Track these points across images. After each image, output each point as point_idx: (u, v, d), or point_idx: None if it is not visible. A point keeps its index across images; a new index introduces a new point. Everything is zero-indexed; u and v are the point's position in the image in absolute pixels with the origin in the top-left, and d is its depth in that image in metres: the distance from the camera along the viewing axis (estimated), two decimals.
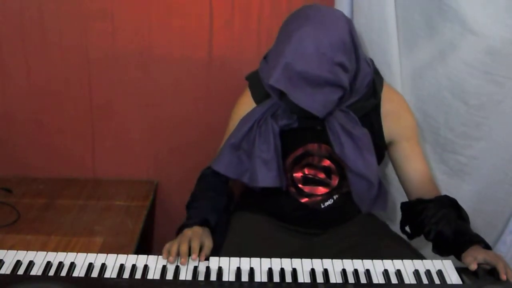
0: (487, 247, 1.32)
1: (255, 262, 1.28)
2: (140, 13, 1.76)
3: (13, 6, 1.75)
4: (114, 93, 1.87)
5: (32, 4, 1.74)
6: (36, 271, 1.23)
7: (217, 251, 1.36)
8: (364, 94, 1.42)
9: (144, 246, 1.94)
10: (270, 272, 1.25)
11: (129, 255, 1.29)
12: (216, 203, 1.45)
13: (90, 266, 1.24)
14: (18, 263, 1.25)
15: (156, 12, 1.76)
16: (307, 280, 1.24)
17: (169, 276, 1.24)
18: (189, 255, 1.27)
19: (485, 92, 1.55)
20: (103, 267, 1.25)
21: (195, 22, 1.77)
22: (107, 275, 1.23)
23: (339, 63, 1.29)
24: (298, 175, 1.50)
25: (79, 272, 1.23)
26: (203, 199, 1.44)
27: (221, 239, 1.43)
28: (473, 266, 1.24)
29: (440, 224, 1.37)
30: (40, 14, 1.76)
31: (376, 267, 1.29)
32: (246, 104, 1.49)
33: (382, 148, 1.49)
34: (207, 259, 1.30)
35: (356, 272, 1.26)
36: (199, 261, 1.28)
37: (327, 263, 1.29)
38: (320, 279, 1.24)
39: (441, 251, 1.38)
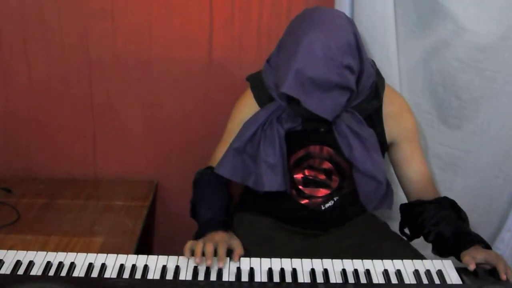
0: (487, 247, 1.31)
1: (255, 262, 1.28)
2: (141, 13, 1.76)
3: (14, 6, 1.75)
4: (115, 93, 1.87)
5: (33, 3, 1.75)
6: (36, 271, 1.23)
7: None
8: (367, 95, 1.42)
9: (144, 246, 1.94)
10: (270, 272, 1.25)
11: (129, 255, 1.29)
12: (223, 205, 1.43)
13: (90, 266, 1.24)
14: (18, 263, 1.24)
15: (156, 12, 1.76)
16: (307, 280, 1.24)
17: (169, 276, 1.23)
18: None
19: (477, 87, 1.59)
20: (103, 267, 1.24)
21: (195, 22, 1.77)
22: (107, 275, 1.23)
23: (347, 66, 1.30)
24: (298, 176, 1.50)
25: (79, 272, 1.23)
26: (213, 201, 1.42)
27: None
28: (471, 267, 1.23)
29: (440, 225, 1.37)
30: (41, 13, 1.76)
31: (376, 267, 1.28)
32: (249, 105, 1.49)
33: (383, 149, 1.49)
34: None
35: (356, 272, 1.26)
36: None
37: (327, 263, 1.29)
38: (320, 279, 1.24)
39: (441, 252, 1.38)
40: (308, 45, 1.27)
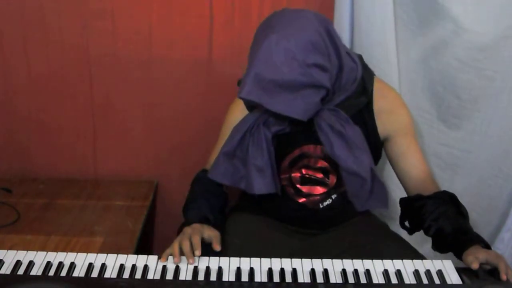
0: (487, 246, 1.31)
1: (255, 262, 1.28)
2: (141, 12, 1.76)
3: (14, 5, 1.75)
4: (115, 92, 1.87)
5: (33, 3, 1.75)
6: (36, 271, 1.23)
7: (216, 253, 1.36)
8: (354, 91, 1.41)
9: (144, 246, 1.94)
10: (270, 272, 1.25)
11: (129, 255, 1.29)
12: (213, 203, 1.45)
13: (90, 266, 1.24)
14: (18, 263, 1.25)
15: (156, 11, 1.76)
16: (307, 280, 1.24)
17: (169, 276, 1.24)
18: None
19: (476, 86, 1.60)
20: (103, 267, 1.24)
21: (195, 21, 1.77)
22: (107, 275, 1.23)
23: (313, 64, 1.28)
24: (296, 175, 1.50)
25: (79, 272, 1.23)
26: (200, 200, 1.44)
27: None
28: (475, 266, 1.23)
29: (440, 220, 1.36)
30: (41, 12, 1.76)
31: (376, 267, 1.28)
32: (239, 110, 1.49)
33: (378, 145, 1.49)
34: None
35: (356, 272, 1.26)
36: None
37: (327, 263, 1.29)
38: (320, 279, 1.24)
39: (440, 248, 1.38)
40: (267, 48, 1.26)
